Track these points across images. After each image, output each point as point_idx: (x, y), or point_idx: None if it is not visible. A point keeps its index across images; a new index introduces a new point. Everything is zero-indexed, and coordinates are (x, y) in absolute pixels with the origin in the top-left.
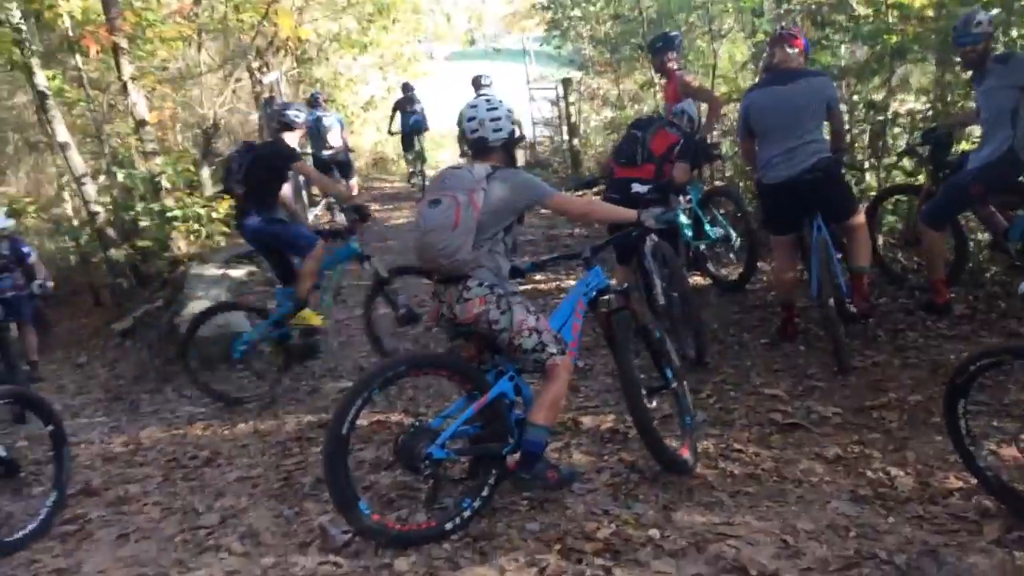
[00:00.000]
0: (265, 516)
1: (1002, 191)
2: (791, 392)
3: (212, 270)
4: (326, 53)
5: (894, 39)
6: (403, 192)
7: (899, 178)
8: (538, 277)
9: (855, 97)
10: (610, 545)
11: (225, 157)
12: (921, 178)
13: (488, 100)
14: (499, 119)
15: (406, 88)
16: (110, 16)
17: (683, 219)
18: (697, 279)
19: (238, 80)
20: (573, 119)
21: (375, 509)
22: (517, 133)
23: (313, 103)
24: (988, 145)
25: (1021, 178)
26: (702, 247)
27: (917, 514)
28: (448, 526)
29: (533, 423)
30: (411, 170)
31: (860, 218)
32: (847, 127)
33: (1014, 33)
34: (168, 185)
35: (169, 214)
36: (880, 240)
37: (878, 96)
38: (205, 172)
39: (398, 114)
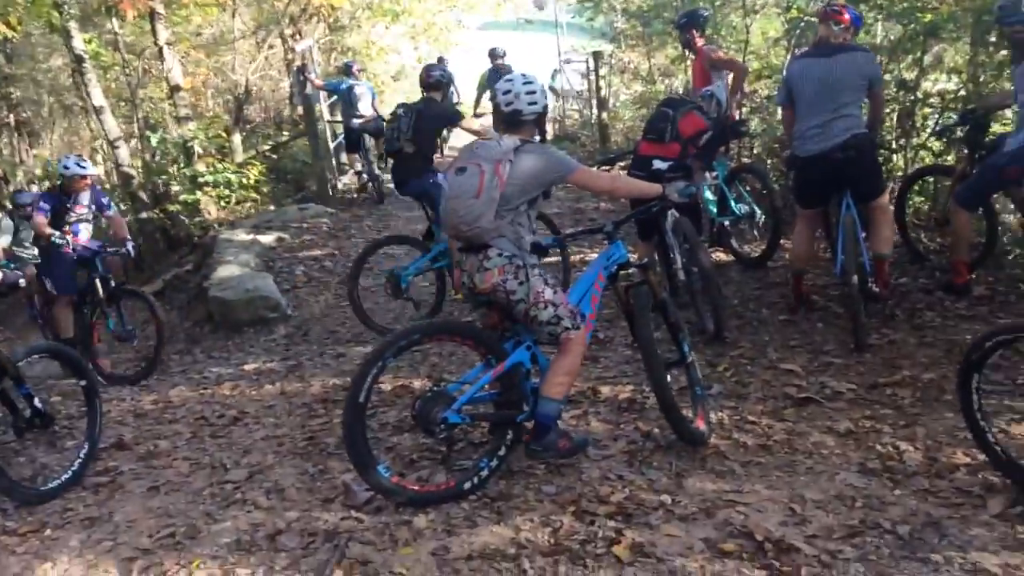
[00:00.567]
0: (290, 473)
1: None
2: (807, 367)
3: (242, 235)
4: (359, 21)
5: (928, 17)
6: None
7: (927, 159)
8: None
9: (887, 76)
10: (623, 508)
11: (392, 115)
12: (950, 159)
13: (524, 74)
14: (535, 92)
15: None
16: None
17: (709, 195)
18: (720, 255)
19: (271, 47)
20: (603, 92)
21: (395, 470)
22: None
23: (346, 71)
24: None
25: None
26: (726, 223)
27: (923, 487)
28: (466, 486)
29: (545, 396)
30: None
31: (885, 201)
32: None
33: None
34: (200, 150)
35: (200, 179)
36: (907, 220)
37: (910, 75)
38: (236, 138)
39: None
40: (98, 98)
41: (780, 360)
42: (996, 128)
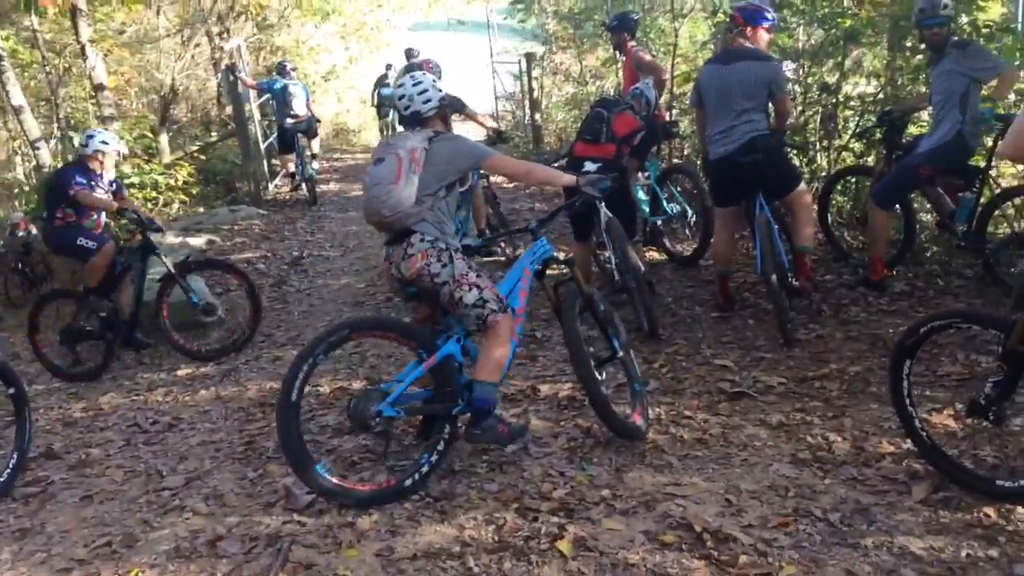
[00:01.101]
0: (229, 478)
1: (950, 174)
2: (739, 363)
3: (170, 238)
4: (287, 20)
5: (848, 23)
6: (364, 164)
7: (849, 160)
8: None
9: (809, 79)
10: (565, 504)
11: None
12: (871, 160)
13: (412, 76)
14: (426, 91)
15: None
16: None
17: (641, 195)
18: (654, 254)
19: (197, 46)
20: (535, 94)
21: (336, 472)
22: (447, 99)
23: (281, 71)
24: (938, 129)
25: (969, 162)
26: (659, 223)
27: (852, 476)
28: (408, 482)
29: (479, 380)
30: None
31: (802, 196)
32: (799, 108)
33: (963, 19)
34: (126, 151)
35: (126, 181)
36: (830, 219)
37: (831, 79)
38: (163, 138)
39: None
40: (17, 97)
41: (714, 356)
42: (913, 130)
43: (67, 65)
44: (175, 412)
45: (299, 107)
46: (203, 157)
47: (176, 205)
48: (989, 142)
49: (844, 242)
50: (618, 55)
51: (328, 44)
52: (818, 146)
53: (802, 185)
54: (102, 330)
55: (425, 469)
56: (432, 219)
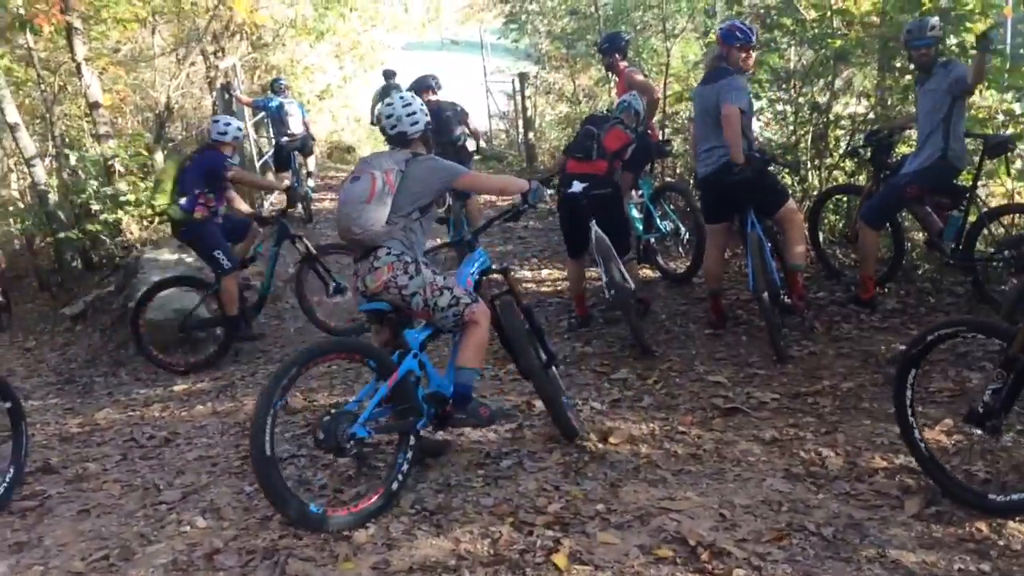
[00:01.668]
0: (226, 493)
1: (937, 193)
2: (732, 379)
3: (166, 255)
4: (282, 39)
5: (838, 43)
6: None
7: (840, 178)
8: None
9: (800, 99)
10: (560, 518)
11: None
12: (862, 179)
13: (402, 97)
14: (414, 113)
15: (387, 75)
16: None
17: (635, 213)
18: (647, 271)
19: (192, 64)
20: (529, 113)
21: (326, 504)
22: (431, 125)
23: (276, 89)
24: (924, 150)
25: (955, 181)
26: (652, 240)
27: (844, 491)
28: (394, 486)
29: (461, 366)
30: None
31: (791, 214)
32: (791, 128)
33: (951, 41)
34: (121, 169)
35: (122, 198)
36: (821, 237)
37: (822, 98)
38: (159, 156)
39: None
40: (12, 115)
41: (707, 372)
42: (903, 149)
43: (62, 83)
44: (172, 427)
45: (295, 125)
46: None
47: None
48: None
49: (835, 260)
50: (610, 75)
51: (323, 63)
52: (809, 165)
53: (791, 203)
54: (217, 321)
55: (406, 467)
56: (402, 238)
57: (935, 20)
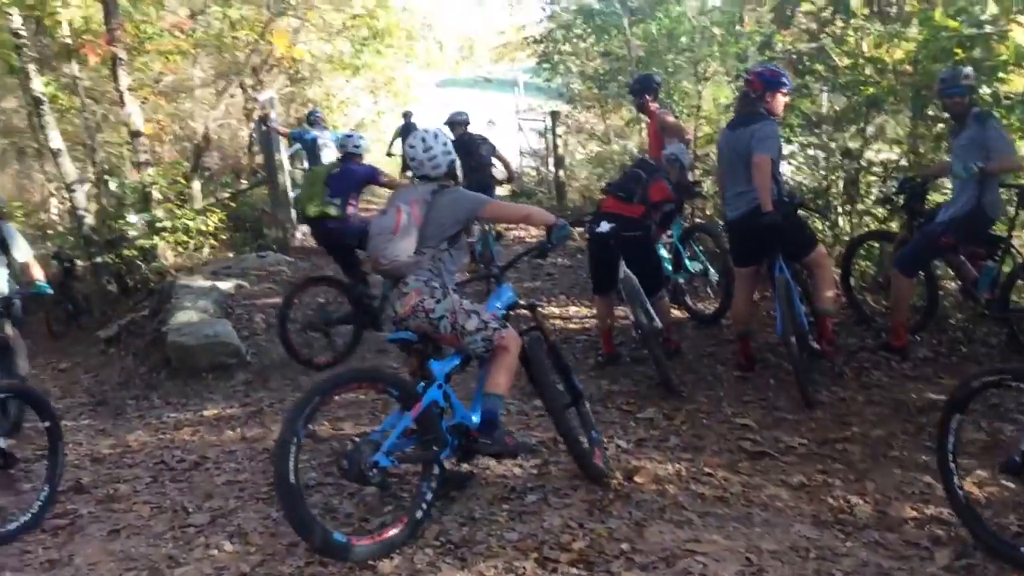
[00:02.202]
0: (253, 518)
1: (972, 243)
2: (760, 422)
3: (200, 282)
4: (319, 74)
5: (870, 90)
6: None
7: (872, 224)
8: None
9: (832, 144)
10: (584, 556)
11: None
12: (894, 225)
13: (423, 140)
14: (435, 157)
15: (406, 116)
16: (110, 27)
17: (664, 253)
18: (675, 312)
19: (231, 96)
20: (560, 151)
21: (351, 532)
22: (456, 163)
23: (311, 121)
24: (959, 199)
25: (990, 231)
26: (681, 280)
27: (874, 540)
28: (418, 515)
29: (488, 392)
30: None
31: (820, 259)
32: (822, 172)
33: (984, 91)
34: (159, 196)
35: (158, 224)
36: (852, 282)
37: (854, 144)
38: (196, 185)
39: (399, 140)
40: (56, 141)
41: (735, 415)
42: (936, 197)
43: (105, 112)
44: (201, 451)
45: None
46: (233, 204)
47: (207, 250)
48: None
49: (867, 306)
50: (641, 116)
51: (357, 97)
52: (840, 210)
53: (820, 248)
54: (352, 316)
55: (429, 496)
56: (430, 267)
57: (968, 70)
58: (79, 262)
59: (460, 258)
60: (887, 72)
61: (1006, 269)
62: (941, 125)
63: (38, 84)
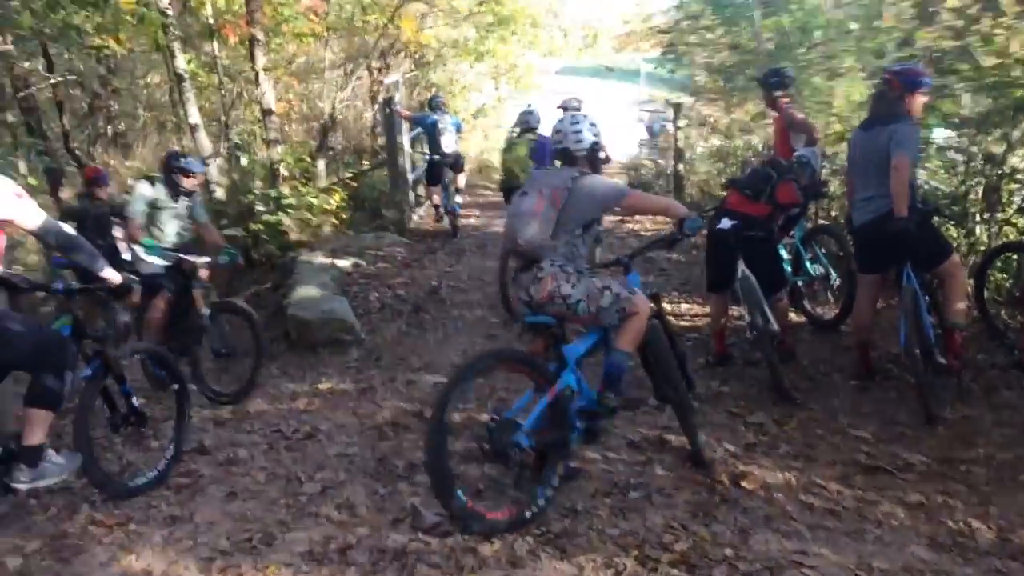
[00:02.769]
0: (361, 491)
1: None
2: (877, 436)
3: (320, 258)
4: (444, 59)
5: (1018, 93)
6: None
7: (1011, 235)
8: (673, 309)
9: (973, 148)
10: (686, 558)
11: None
12: None
13: (573, 116)
14: (580, 131)
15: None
16: (250, 8)
17: (784, 254)
18: (792, 315)
19: (358, 78)
20: (680, 144)
21: (468, 498)
22: (599, 144)
23: (433, 106)
24: None
25: None
26: (800, 283)
27: (995, 568)
28: (527, 514)
29: (618, 348)
30: None
31: (953, 269)
32: (961, 178)
33: None
34: (285, 173)
35: (284, 201)
36: (986, 295)
37: (997, 149)
38: (321, 164)
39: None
40: (194, 116)
41: (850, 426)
42: None
43: (240, 90)
44: (315, 423)
45: (448, 142)
46: (354, 184)
47: (327, 228)
48: None
49: (1000, 321)
50: (768, 111)
51: (479, 83)
52: (978, 218)
53: (953, 257)
54: None
55: (542, 502)
56: (565, 251)
57: None
58: None
59: (591, 243)
60: None
61: None
62: None
63: (181, 62)
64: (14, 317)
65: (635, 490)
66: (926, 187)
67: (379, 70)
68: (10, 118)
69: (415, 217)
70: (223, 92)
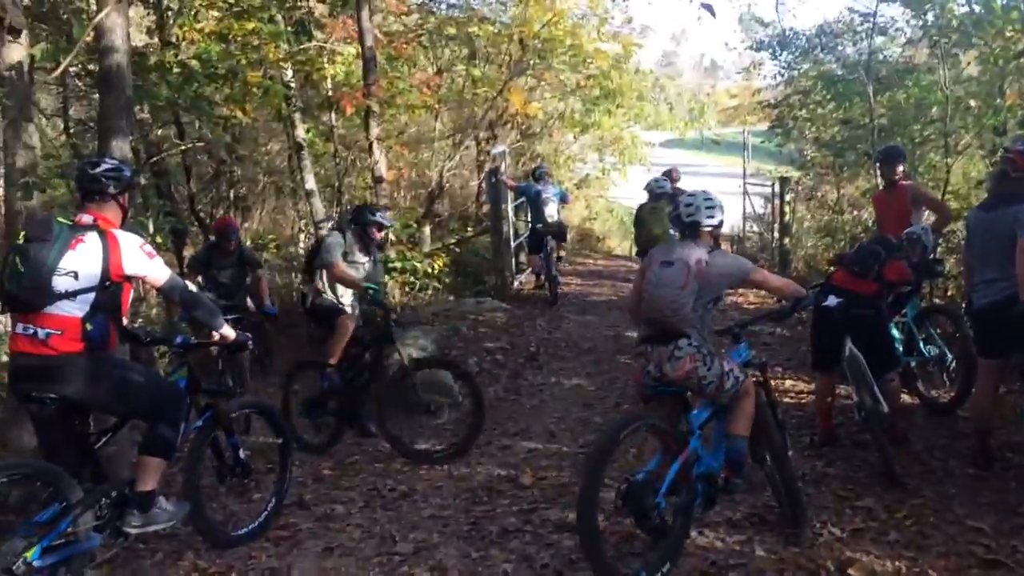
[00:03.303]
0: (453, 554)
1: None
2: (996, 528)
3: (422, 322)
4: (549, 130)
5: None
6: (605, 270)
7: None
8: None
9: None
10: None
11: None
12: None
13: (705, 191)
14: (713, 208)
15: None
16: (367, 81)
17: (896, 333)
18: (906, 397)
19: (466, 148)
20: (787, 218)
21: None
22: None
23: (537, 176)
24: None
25: None
26: (913, 364)
27: None
28: (666, 567)
29: (735, 434)
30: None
31: None
32: None
33: None
34: (393, 238)
35: (390, 264)
36: None
37: None
38: (426, 229)
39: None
40: (310, 183)
41: (967, 516)
42: None
43: (353, 158)
44: (410, 483)
45: (551, 211)
46: (458, 249)
47: (429, 291)
48: None
49: None
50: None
51: (583, 154)
52: None
53: None
54: None
55: (666, 568)
56: (699, 327)
57: None
58: None
59: (710, 316)
60: None
61: None
62: None
63: (300, 131)
64: (136, 368)
65: (733, 571)
66: None
67: (486, 140)
68: (142, 181)
69: (516, 284)
70: (338, 160)
